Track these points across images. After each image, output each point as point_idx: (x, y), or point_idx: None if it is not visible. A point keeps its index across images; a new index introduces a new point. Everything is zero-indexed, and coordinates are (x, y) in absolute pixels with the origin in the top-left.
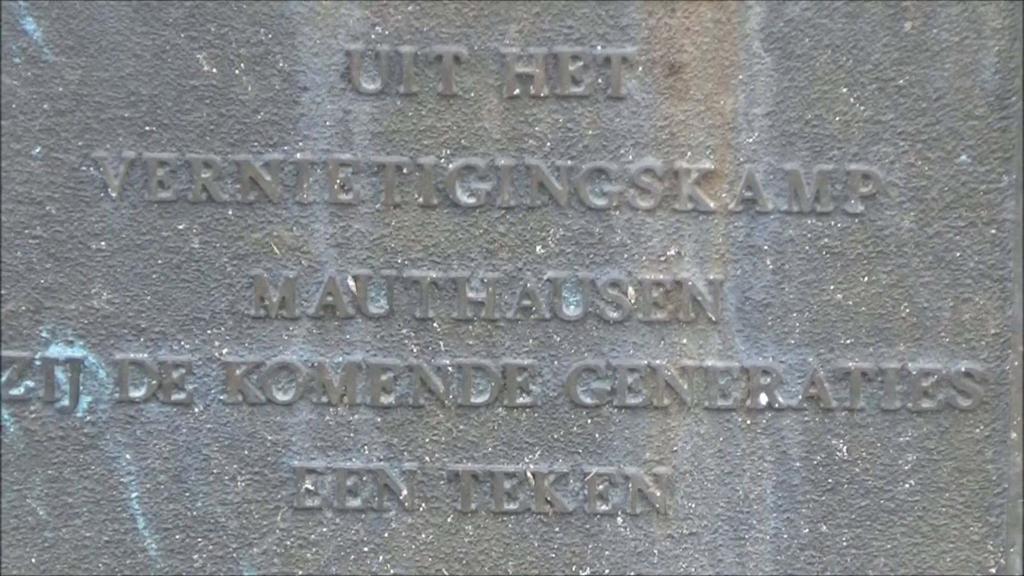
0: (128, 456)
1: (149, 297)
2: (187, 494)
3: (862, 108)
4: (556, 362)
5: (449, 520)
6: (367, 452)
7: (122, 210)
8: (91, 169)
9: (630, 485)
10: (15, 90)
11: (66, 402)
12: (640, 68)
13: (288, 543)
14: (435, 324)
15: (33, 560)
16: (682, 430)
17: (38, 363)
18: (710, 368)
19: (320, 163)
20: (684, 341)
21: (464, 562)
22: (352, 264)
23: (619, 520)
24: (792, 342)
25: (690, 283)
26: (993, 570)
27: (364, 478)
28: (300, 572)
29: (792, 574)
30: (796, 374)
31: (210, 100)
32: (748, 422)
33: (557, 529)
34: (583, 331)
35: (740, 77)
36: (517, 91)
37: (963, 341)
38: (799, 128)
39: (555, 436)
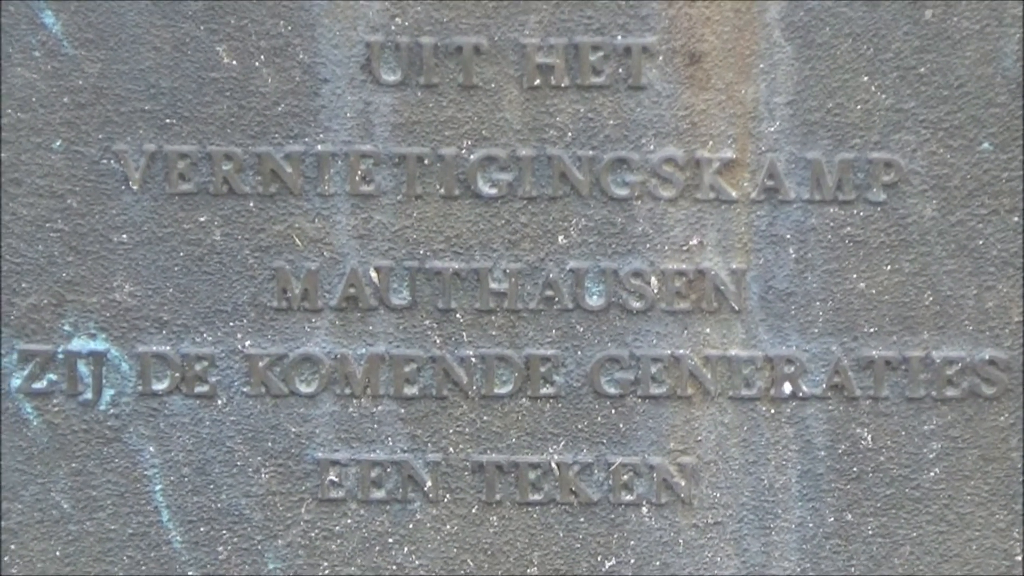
0: (152, 449)
1: (171, 290)
2: (211, 487)
3: (883, 96)
4: (579, 352)
5: (474, 511)
6: (391, 443)
7: (143, 203)
8: (112, 162)
9: (655, 475)
10: (35, 84)
11: (89, 395)
12: (661, 58)
13: (313, 535)
14: (458, 315)
15: (57, 553)
16: (706, 420)
17: (61, 356)
18: (734, 357)
19: (341, 155)
20: (707, 331)
21: (489, 553)
22: (374, 255)
23: (644, 510)
24: (815, 331)
25: (713, 272)
26: (1019, 557)
27: (388, 469)
28: (325, 564)
29: (818, 563)
30: (820, 363)
31: (230, 92)
32: (772, 411)
33: (582, 519)
34: (606, 321)
35: (761, 66)
36: (538, 81)
37: (987, 329)
38: (820, 117)
39: (579, 426)
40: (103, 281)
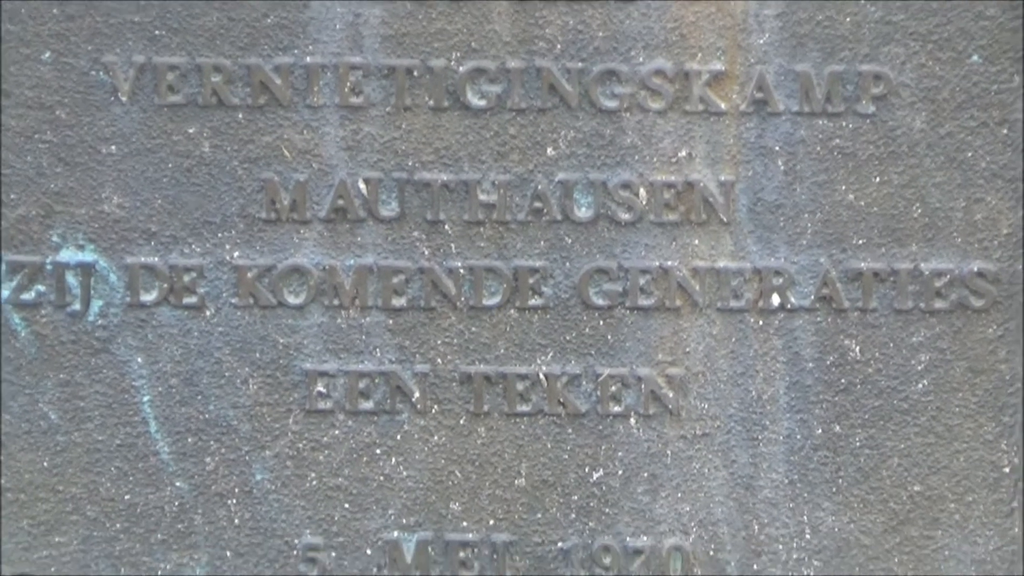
0: (140, 360)
1: (160, 201)
2: (199, 398)
3: (873, 9)
4: (568, 264)
5: (462, 422)
6: (379, 354)
7: (132, 114)
8: (101, 74)
9: (643, 386)
10: None
11: (77, 306)
12: None
13: (300, 446)
14: (446, 226)
15: (45, 464)
16: (694, 331)
17: (49, 268)
18: (722, 269)
19: (330, 66)
20: (696, 242)
21: (477, 464)
22: (363, 167)
23: (632, 421)
24: (804, 243)
25: (702, 184)
26: (1007, 469)
27: (376, 380)
28: (312, 475)
29: (806, 475)
30: (808, 275)
31: (219, 4)
32: (760, 323)
33: (570, 430)
34: (595, 233)
35: None
36: None
37: (975, 241)
38: (810, 29)
39: (567, 338)
40: (92, 192)
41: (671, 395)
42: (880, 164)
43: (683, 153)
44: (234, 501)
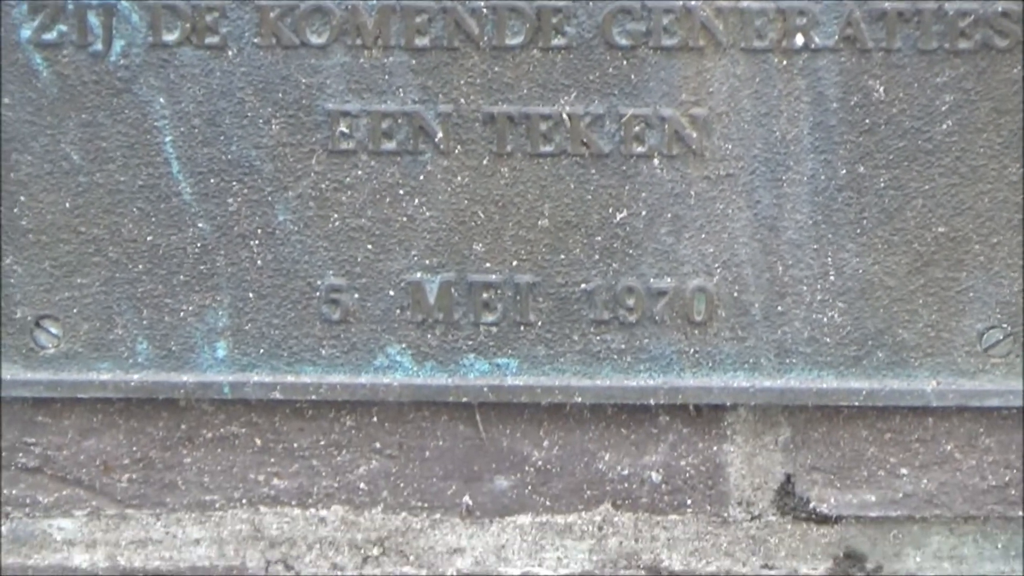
0: (162, 100)
1: None
2: (221, 138)
3: None
4: (591, 3)
5: (484, 162)
6: (402, 95)
7: None
8: None
9: (666, 126)
10: None
11: (99, 47)
12: None
13: (323, 186)
14: None
15: (67, 205)
16: (718, 71)
17: (71, 7)
18: (745, 9)
19: None
20: None
21: (500, 204)
22: None
23: (656, 162)
24: None
25: None
26: None
27: (399, 121)
28: (335, 215)
29: (830, 215)
30: (832, 15)
31: None
32: (784, 63)
33: (593, 171)
34: None
35: None
36: None
37: None
38: None
39: (590, 77)
40: None
41: (694, 135)
42: None
43: None
44: (256, 242)
